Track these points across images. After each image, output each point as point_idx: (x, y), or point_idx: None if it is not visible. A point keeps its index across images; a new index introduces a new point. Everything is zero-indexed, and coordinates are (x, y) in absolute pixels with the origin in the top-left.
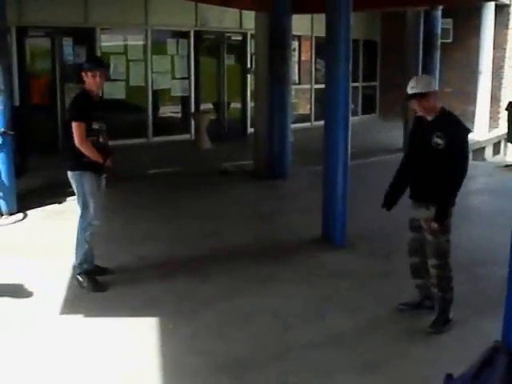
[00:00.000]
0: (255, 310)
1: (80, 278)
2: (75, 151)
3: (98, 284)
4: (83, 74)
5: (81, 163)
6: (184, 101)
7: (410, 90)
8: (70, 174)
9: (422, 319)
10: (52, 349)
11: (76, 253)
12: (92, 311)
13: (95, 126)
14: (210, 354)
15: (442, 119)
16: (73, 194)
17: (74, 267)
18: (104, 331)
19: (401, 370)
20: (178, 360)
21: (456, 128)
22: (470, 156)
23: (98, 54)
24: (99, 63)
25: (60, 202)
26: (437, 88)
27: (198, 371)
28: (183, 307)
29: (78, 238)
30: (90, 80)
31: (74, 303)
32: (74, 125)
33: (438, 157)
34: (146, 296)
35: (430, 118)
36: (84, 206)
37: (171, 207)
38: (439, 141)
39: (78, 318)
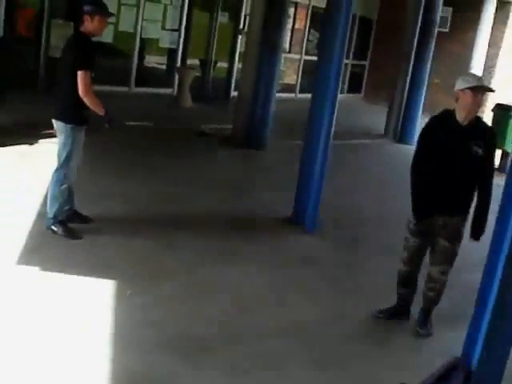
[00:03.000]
0: (215, 287)
1: (54, 228)
2: (76, 102)
3: (73, 232)
4: (87, 16)
5: (78, 116)
6: (171, 53)
7: (480, 83)
8: (60, 124)
9: (384, 320)
10: (3, 301)
11: (50, 206)
12: (50, 265)
13: (93, 74)
14: (163, 329)
15: (479, 125)
16: (45, 136)
17: (47, 219)
18: (58, 288)
19: (354, 371)
20: (129, 331)
21: (494, 135)
22: None
23: None
24: (106, 8)
25: (31, 144)
26: None
27: (149, 346)
28: (142, 274)
29: (52, 192)
30: (96, 24)
31: (31, 253)
32: (80, 73)
33: (473, 165)
34: (107, 255)
35: (464, 122)
36: (66, 159)
37: (142, 166)
38: (479, 149)
39: (34, 271)
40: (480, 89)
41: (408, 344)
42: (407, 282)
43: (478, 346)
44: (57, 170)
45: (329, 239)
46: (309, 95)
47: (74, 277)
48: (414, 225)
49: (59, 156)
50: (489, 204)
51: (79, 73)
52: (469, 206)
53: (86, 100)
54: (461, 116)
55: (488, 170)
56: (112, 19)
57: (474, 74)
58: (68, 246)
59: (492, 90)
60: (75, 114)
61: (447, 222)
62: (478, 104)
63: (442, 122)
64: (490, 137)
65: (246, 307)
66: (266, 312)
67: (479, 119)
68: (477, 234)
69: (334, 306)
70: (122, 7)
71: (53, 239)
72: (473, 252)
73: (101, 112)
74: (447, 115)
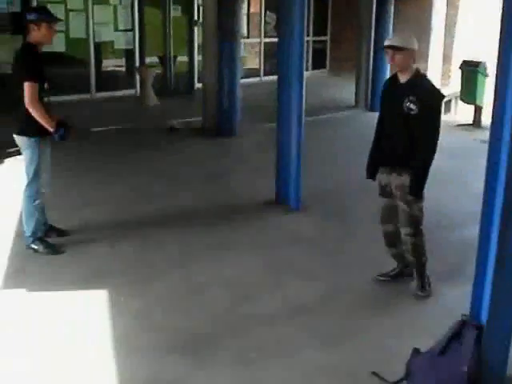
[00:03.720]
0: (209, 280)
1: (35, 246)
2: (31, 114)
3: (54, 247)
4: (33, 25)
5: (37, 128)
6: (128, 54)
7: (386, 42)
8: (22, 139)
9: (383, 287)
10: None
11: (26, 223)
12: (36, 284)
13: (47, 85)
14: (162, 330)
15: (416, 82)
16: (10, 155)
17: (26, 237)
18: (49, 306)
19: (365, 343)
20: (129, 337)
21: (432, 94)
22: None
23: (35, 2)
24: (52, 14)
25: None
26: (416, 47)
27: (151, 349)
28: (133, 277)
29: (26, 209)
30: (44, 32)
31: (15, 275)
32: (26, 84)
33: (410, 122)
34: (94, 265)
35: (402, 80)
36: (35, 174)
37: (117, 168)
38: (412, 105)
39: (21, 293)
40: (385, 48)
41: (414, 308)
42: (390, 242)
43: (485, 301)
44: (27, 186)
45: (315, 215)
46: (274, 77)
47: (64, 292)
48: (380, 187)
49: (27, 172)
50: (425, 161)
51: (25, 84)
52: (408, 164)
53: (31, 111)
54: (399, 74)
55: (425, 128)
56: (62, 27)
57: (391, 34)
58: (52, 261)
59: (391, 47)
60: (36, 127)
61: (398, 182)
62: (393, 61)
63: (390, 82)
64: (423, 94)
65: (245, 295)
66: (266, 297)
67: (420, 77)
68: (411, 189)
69: (333, 281)
70: (71, 13)
71: (35, 257)
72: (461, 207)
73: (49, 126)
74: (394, 76)
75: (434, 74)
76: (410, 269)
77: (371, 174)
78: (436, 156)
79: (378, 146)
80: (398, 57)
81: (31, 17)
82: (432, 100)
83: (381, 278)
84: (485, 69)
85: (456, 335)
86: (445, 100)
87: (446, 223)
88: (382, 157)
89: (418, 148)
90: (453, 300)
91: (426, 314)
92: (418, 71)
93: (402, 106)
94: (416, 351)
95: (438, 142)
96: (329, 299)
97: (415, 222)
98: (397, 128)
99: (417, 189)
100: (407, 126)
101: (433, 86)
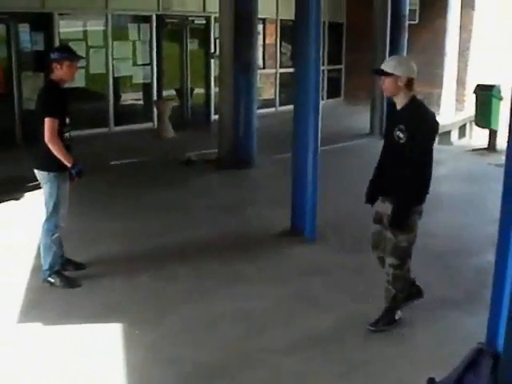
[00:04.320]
0: (224, 313)
1: (51, 280)
2: (50, 149)
3: (71, 280)
4: (56, 64)
5: (57, 163)
6: (146, 88)
7: (381, 66)
8: (42, 173)
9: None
10: (10, 361)
11: (43, 257)
12: (50, 318)
13: (68, 120)
14: (178, 363)
15: (408, 110)
16: (31, 189)
17: (43, 271)
18: (64, 340)
19: (380, 373)
20: (144, 370)
21: (422, 123)
22: (436, 142)
23: (57, 40)
24: (74, 52)
25: (17, 199)
26: (413, 75)
27: (165, 382)
28: (148, 311)
29: (44, 243)
30: (66, 70)
31: (31, 309)
32: (46, 120)
33: (397, 151)
34: (109, 299)
35: (398, 107)
36: (54, 208)
37: (133, 201)
38: (400, 134)
39: (37, 326)
40: (372, 71)
41: (430, 337)
42: (381, 266)
43: (502, 329)
44: (46, 220)
45: (331, 245)
46: (289, 107)
47: (79, 326)
48: (374, 212)
49: (47, 206)
50: (406, 193)
51: (46, 120)
52: (396, 194)
53: (50, 147)
54: (395, 101)
55: (408, 158)
56: (82, 63)
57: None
58: (68, 295)
59: (377, 71)
60: (55, 162)
61: (387, 211)
62: (383, 85)
63: (391, 106)
64: (412, 123)
65: (259, 327)
66: (280, 329)
67: (415, 103)
68: (391, 219)
69: (347, 311)
70: (91, 50)
71: (51, 291)
72: (477, 233)
73: (67, 162)
74: (394, 102)
75: (448, 99)
76: (417, 288)
77: (369, 199)
78: (451, 181)
79: (379, 172)
80: (385, 81)
81: (54, 56)
82: (421, 129)
83: None
84: (499, 92)
85: (472, 364)
86: (460, 125)
87: (462, 249)
88: (376, 185)
89: (403, 178)
90: (469, 327)
91: (441, 342)
92: (413, 98)
93: (393, 134)
94: (431, 381)
95: (447, 163)
96: (344, 329)
97: (399, 254)
98: (388, 156)
99: (396, 220)
100: (395, 155)
101: (426, 114)
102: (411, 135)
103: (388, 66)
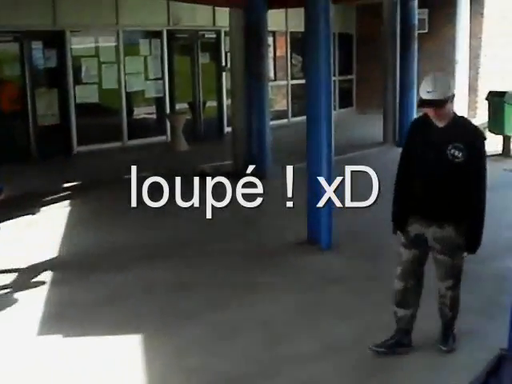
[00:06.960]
0: (244, 322)
1: None
2: None
3: None
4: None
5: None
6: (158, 102)
7: (425, 95)
8: None
9: (416, 324)
10: (32, 373)
11: None
12: (71, 330)
13: None
14: (198, 372)
15: (458, 126)
16: (47, 203)
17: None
18: (86, 352)
19: (402, 381)
20: (165, 380)
21: (477, 137)
22: None
23: (69, 57)
24: None
25: (33, 213)
26: (454, 91)
27: None
28: (168, 321)
29: None
30: None
31: (51, 322)
32: None
33: (455, 171)
34: (128, 311)
35: (440, 124)
36: None
37: (147, 213)
38: (457, 153)
39: (57, 339)
40: (424, 105)
41: None
42: (404, 301)
43: None
44: None
45: (347, 254)
46: (301, 118)
47: (99, 337)
48: (403, 237)
49: None
50: (480, 213)
51: None
52: (459, 216)
53: None
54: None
55: (474, 177)
56: (95, 78)
57: (427, 81)
58: (87, 307)
59: (433, 103)
60: None
61: (438, 235)
62: (437, 115)
63: (421, 124)
64: (471, 139)
65: (278, 336)
66: (298, 338)
67: (460, 119)
68: (470, 246)
69: (368, 320)
70: (103, 65)
71: (71, 304)
72: (494, 239)
73: None
74: (426, 117)
75: (460, 107)
76: (409, 338)
77: (401, 227)
78: None
79: (405, 194)
80: (442, 110)
81: None
82: (478, 144)
83: (375, 349)
84: (511, 98)
85: (494, 370)
86: None
87: (479, 254)
88: (414, 206)
89: (471, 199)
90: (490, 334)
91: (462, 349)
92: (454, 113)
93: (446, 154)
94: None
95: None
96: (362, 338)
97: (457, 273)
98: (438, 178)
99: (476, 245)
100: (453, 176)
101: (475, 126)
102: (471, 151)
103: (439, 94)
